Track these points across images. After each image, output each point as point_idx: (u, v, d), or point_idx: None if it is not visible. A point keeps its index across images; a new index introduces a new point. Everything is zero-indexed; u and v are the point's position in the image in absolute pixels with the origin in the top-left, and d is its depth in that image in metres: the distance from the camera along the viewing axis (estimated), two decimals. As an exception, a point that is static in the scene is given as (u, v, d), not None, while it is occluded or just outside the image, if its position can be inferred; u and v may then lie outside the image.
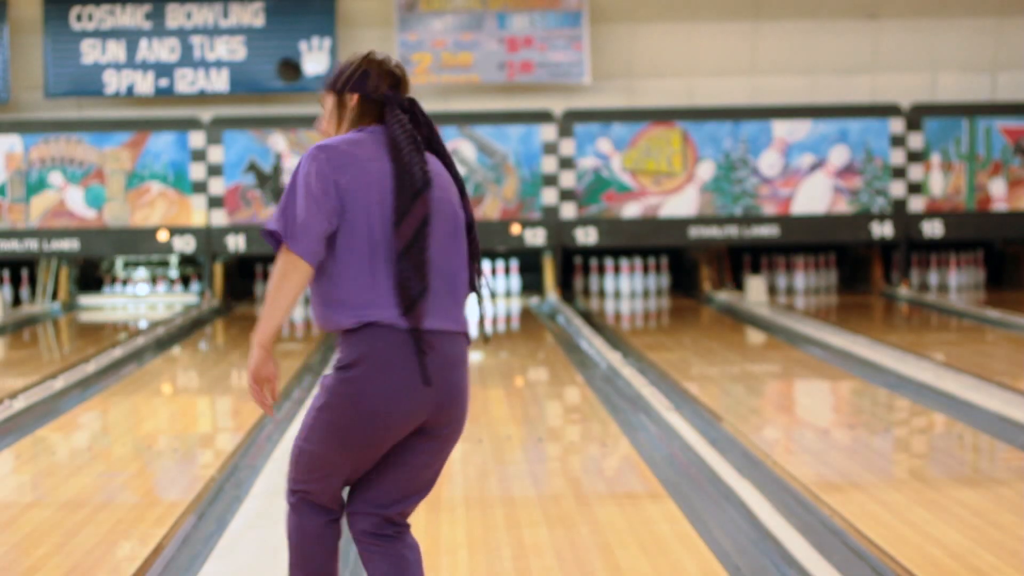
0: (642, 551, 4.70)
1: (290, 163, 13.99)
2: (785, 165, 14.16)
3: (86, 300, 14.37)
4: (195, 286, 14.53)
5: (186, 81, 14.25)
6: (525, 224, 14.01)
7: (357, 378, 3.34)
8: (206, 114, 14.24)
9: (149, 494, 5.85)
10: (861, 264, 14.89)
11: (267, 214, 13.98)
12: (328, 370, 3.50)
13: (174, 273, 14.60)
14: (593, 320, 12.20)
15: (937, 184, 14.25)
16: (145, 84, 14.25)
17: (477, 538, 4.92)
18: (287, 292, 3.37)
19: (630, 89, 14.64)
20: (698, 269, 14.51)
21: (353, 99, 3.48)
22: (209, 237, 13.97)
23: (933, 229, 14.22)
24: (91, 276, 14.71)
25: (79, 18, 14.21)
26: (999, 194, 14.28)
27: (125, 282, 14.57)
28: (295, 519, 3.53)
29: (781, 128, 14.18)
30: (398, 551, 3.45)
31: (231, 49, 14.23)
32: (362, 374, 3.34)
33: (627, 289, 14.49)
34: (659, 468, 6.02)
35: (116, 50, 14.23)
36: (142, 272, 14.60)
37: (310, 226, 3.33)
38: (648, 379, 8.39)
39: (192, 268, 14.57)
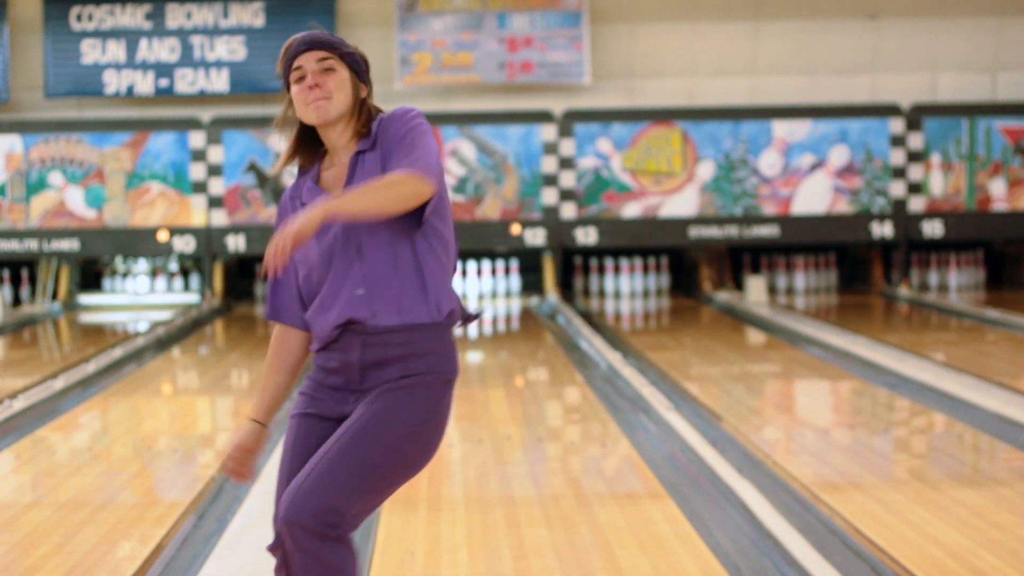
0: (642, 551, 4.70)
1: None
2: (785, 165, 14.16)
3: (86, 300, 14.37)
4: (195, 281, 14.52)
5: (186, 81, 14.25)
6: (525, 224, 14.01)
7: (451, 392, 3.08)
8: (206, 114, 14.24)
9: (149, 494, 5.85)
10: (861, 264, 14.89)
11: (267, 214, 13.99)
12: (406, 372, 3.08)
13: (173, 266, 14.59)
14: (593, 320, 12.20)
15: (937, 184, 14.25)
16: (145, 84, 14.25)
17: (477, 538, 4.92)
18: (393, 195, 2.96)
19: (630, 89, 14.64)
20: (698, 269, 14.51)
21: (364, 91, 3.18)
22: (209, 237, 13.97)
23: (933, 229, 14.22)
24: (91, 275, 14.70)
25: (79, 18, 14.21)
26: (999, 194, 14.28)
27: (125, 275, 14.56)
28: (345, 554, 2.95)
29: (781, 128, 14.17)
30: None
31: (231, 49, 14.23)
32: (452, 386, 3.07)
33: (627, 289, 14.49)
34: (659, 468, 6.02)
35: (116, 50, 14.23)
36: (143, 264, 14.58)
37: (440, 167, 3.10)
38: (648, 379, 8.39)
39: (191, 260, 14.56)
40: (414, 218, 3.07)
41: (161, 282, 14.58)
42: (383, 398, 3.05)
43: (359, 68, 3.18)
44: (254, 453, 3.22)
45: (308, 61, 3.12)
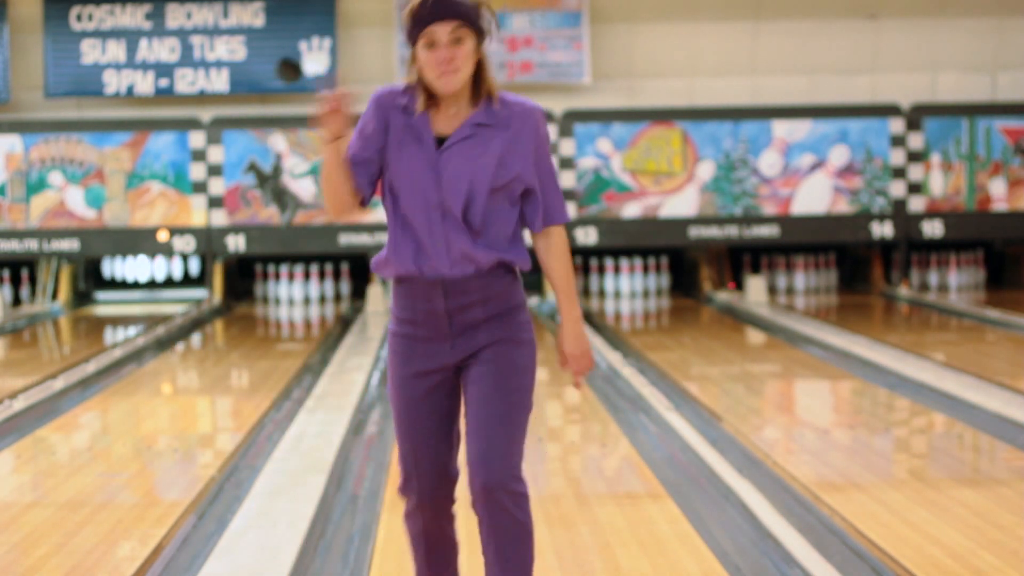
0: (642, 551, 4.70)
1: (290, 163, 14.00)
2: (785, 165, 14.16)
3: (87, 299, 14.36)
4: (194, 265, 14.51)
5: (186, 81, 14.25)
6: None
7: None
8: (206, 114, 14.24)
9: (149, 494, 5.85)
10: (861, 264, 14.90)
11: (267, 214, 13.98)
12: (507, 320, 3.45)
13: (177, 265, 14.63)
14: (593, 320, 12.20)
15: (937, 184, 14.25)
16: (145, 84, 14.25)
17: (477, 538, 4.91)
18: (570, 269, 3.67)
19: (630, 89, 14.64)
20: (698, 269, 14.51)
21: (481, 53, 3.34)
22: (209, 237, 13.97)
23: (933, 229, 14.22)
24: (92, 275, 14.70)
25: (79, 18, 14.21)
26: (999, 194, 14.29)
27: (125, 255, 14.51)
28: (529, 507, 3.33)
29: (781, 128, 14.18)
30: None
31: (231, 49, 14.23)
32: None
33: (627, 289, 14.49)
34: (659, 468, 6.02)
35: (116, 50, 14.23)
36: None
37: None
38: (648, 379, 8.39)
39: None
40: (509, 196, 3.39)
41: (161, 266, 14.53)
42: (497, 351, 3.39)
43: (485, 31, 3.32)
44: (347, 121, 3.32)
45: (440, 30, 3.26)
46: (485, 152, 3.32)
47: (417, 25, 3.27)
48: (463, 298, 3.35)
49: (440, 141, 3.34)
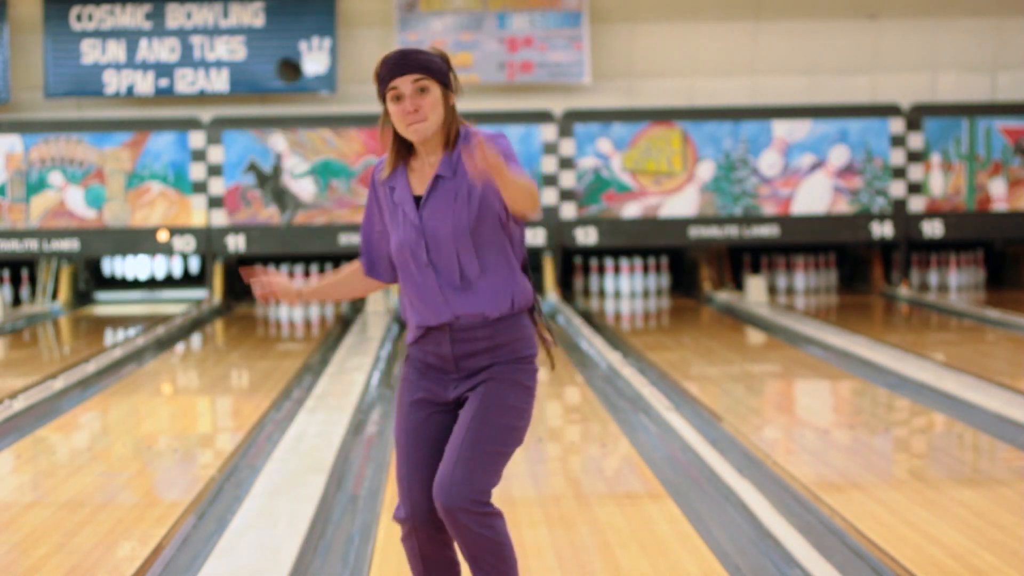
0: (642, 551, 4.70)
1: (290, 163, 14.01)
2: (785, 165, 14.16)
3: (86, 299, 14.36)
4: (194, 264, 14.51)
5: (186, 81, 14.25)
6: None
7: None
8: (206, 114, 14.24)
9: (149, 494, 5.85)
10: (861, 264, 14.90)
11: (267, 214, 13.99)
12: (503, 359, 3.50)
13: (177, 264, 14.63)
14: (593, 320, 12.20)
15: (937, 184, 14.25)
16: (145, 84, 14.26)
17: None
18: (531, 197, 3.41)
19: (630, 89, 14.64)
20: (698, 269, 14.51)
21: (452, 98, 3.48)
22: (209, 237, 13.97)
23: (933, 229, 14.22)
24: (92, 275, 14.70)
25: (79, 18, 14.21)
26: (999, 194, 14.29)
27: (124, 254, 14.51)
28: (500, 523, 3.44)
29: (781, 128, 14.18)
30: None
31: (231, 49, 14.23)
32: None
33: (627, 289, 14.50)
34: (659, 468, 6.02)
35: (116, 50, 14.23)
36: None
37: None
38: (648, 379, 8.39)
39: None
40: (495, 227, 3.48)
41: (161, 263, 14.53)
42: (490, 388, 3.47)
43: (447, 80, 3.46)
44: (284, 286, 3.58)
45: (404, 83, 3.42)
46: (456, 197, 3.44)
47: (383, 82, 3.45)
48: (470, 345, 3.47)
49: (418, 200, 3.48)
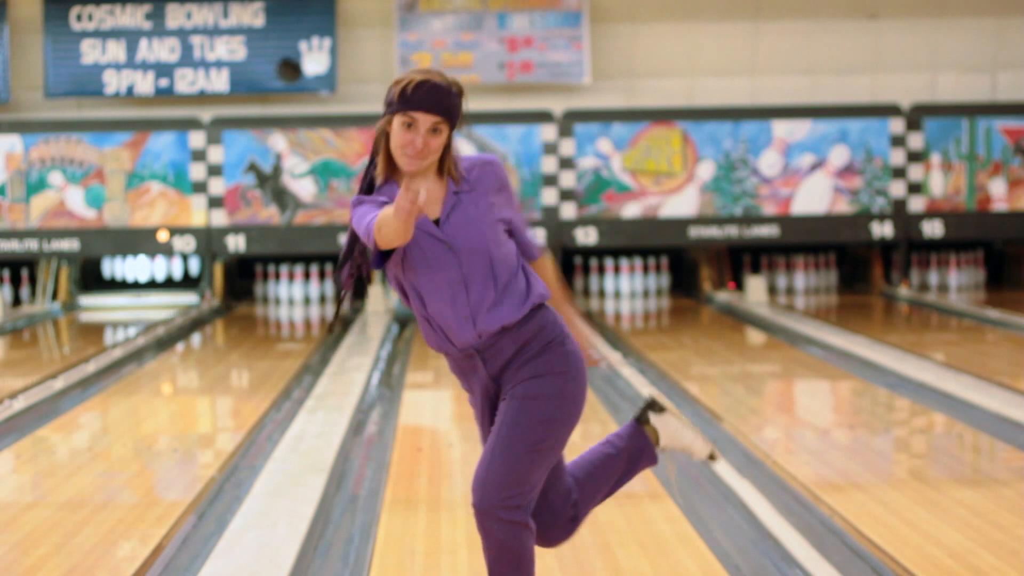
0: (642, 551, 4.70)
1: (290, 163, 14.01)
2: (785, 165, 14.16)
3: (86, 300, 14.36)
4: (193, 264, 14.50)
5: (186, 81, 14.25)
6: (525, 224, 14.00)
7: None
8: (206, 114, 14.24)
9: (149, 494, 5.85)
10: (861, 264, 14.90)
11: (267, 214, 13.98)
12: (537, 349, 3.50)
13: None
14: (593, 320, 12.20)
15: (937, 184, 14.25)
16: (145, 84, 14.26)
17: (477, 538, 4.91)
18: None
19: (630, 89, 14.64)
20: (698, 269, 14.51)
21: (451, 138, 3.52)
22: (209, 237, 13.97)
23: (933, 229, 14.22)
24: (92, 275, 14.70)
25: (79, 18, 14.21)
26: (999, 194, 14.29)
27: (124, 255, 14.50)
28: (525, 535, 3.47)
29: (781, 128, 14.18)
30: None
31: (231, 49, 14.23)
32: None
33: (627, 289, 14.49)
34: (659, 468, 6.02)
35: (116, 50, 14.23)
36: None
37: None
38: (648, 379, 8.39)
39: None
40: (505, 236, 3.51)
41: (160, 264, 14.52)
42: (519, 387, 3.48)
43: (457, 121, 3.47)
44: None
45: (423, 119, 3.41)
46: (478, 211, 3.46)
47: (403, 104, 3.40)
48: (500, 357, 3.50)
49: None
